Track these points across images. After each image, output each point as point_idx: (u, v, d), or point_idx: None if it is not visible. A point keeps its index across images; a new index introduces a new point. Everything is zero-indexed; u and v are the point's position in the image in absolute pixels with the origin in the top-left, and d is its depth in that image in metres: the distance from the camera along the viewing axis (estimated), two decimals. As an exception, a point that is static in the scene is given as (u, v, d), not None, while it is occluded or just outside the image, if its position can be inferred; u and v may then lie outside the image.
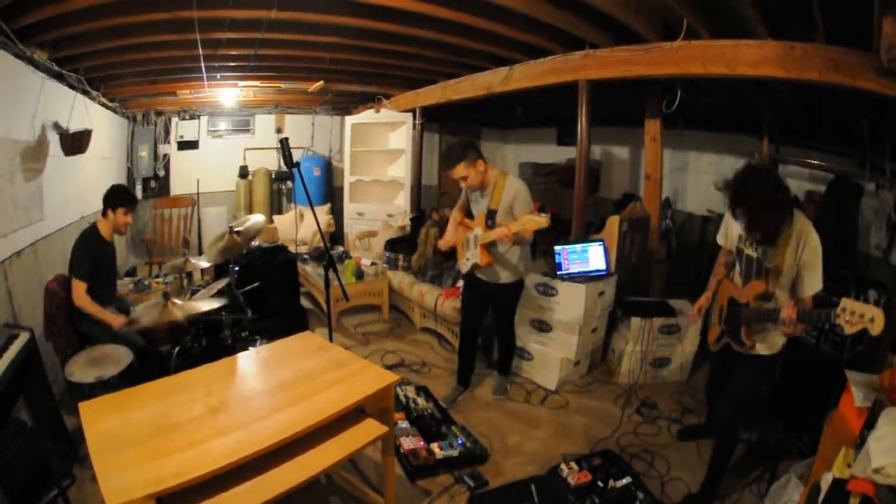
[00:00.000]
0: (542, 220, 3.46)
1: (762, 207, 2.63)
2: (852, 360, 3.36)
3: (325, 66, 6.07)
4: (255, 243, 5.52)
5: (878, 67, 3.01)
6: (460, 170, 3.80)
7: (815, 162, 5.46)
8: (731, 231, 3.11)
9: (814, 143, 5.53)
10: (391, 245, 6.76)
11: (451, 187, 10.55)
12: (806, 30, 3.37)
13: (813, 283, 2.69)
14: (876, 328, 2.13)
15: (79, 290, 3.64)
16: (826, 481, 2.16)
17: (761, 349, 2.95)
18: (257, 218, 4.71)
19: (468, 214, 4.16)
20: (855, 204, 4.72)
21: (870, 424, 2.24)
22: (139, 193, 8.21)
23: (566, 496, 3.17)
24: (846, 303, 2.24)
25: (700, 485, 3.24)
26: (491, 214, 3.90)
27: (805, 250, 2.67)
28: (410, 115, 8.22)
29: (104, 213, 3.89)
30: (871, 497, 1.93)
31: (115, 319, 3.70)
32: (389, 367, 4.82)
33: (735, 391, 3.11)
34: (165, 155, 8.44)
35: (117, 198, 3.89)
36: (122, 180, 7.68)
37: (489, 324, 4.52)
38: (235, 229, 4.34)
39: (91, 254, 3.75)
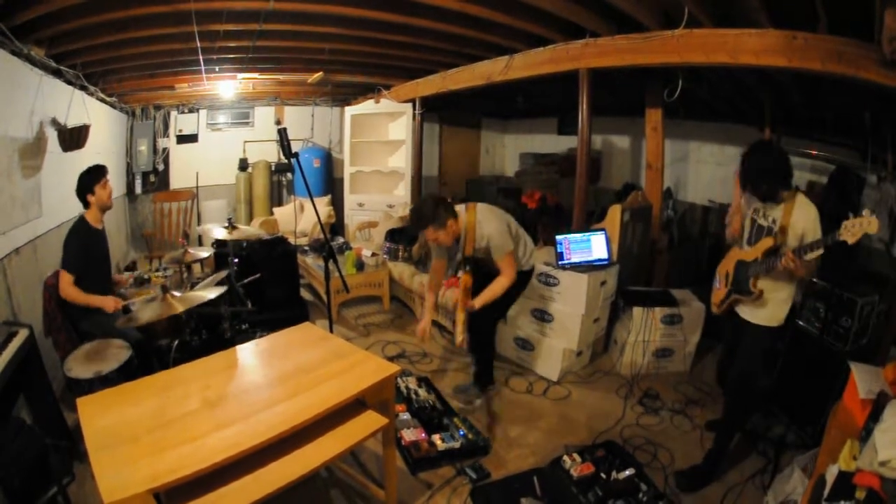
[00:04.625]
0: (497, 289, 3.71)
1: (759, 169, 2.97)
2: (855, 352, 3.36)
3: (324, 56, 6.03)
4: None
5: (881, 59, 2.99)
6: (429, 233, 3.69)
7: (817, 152, 5.44)
8: (749, 202, 3.25)
9: (816, 134, 5.51)
10: (392, 236, 6.74)
11: (451, 178, 10.57)
12: (808, 19, 3.34)
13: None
14: (873, 228, 2.40)
15: (65, 280, 3.59)
16: (831, 474, 2.15)
17: (760, 316, 3.10)
18: (253, 229, 4.79)
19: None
20: (856, 195, 4.70)
21: (875, 417, 2.24)
22: (138, 188, 8.23)
23: (569, 488, 3.17)
24: (846, 223, 2.47)
25: (704, 458, 3.34)
26: (467, 261, 3.86)
27: (808, 221, 2.87)
28: (410, 105, 8.19)
29: (87, 203, 3.81)
30: (877, 490, 1.92)
31: (107, 302, 3.67)
32: (390, 359, 4.82)
33: (739, 366, 3.24)
34: (165, 149, 8.43)
35: (88, 181, 3.79)
36: (122, 175, 7.72)
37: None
38: (234, 224, 4.36)
39: (82, 245, 3.70)
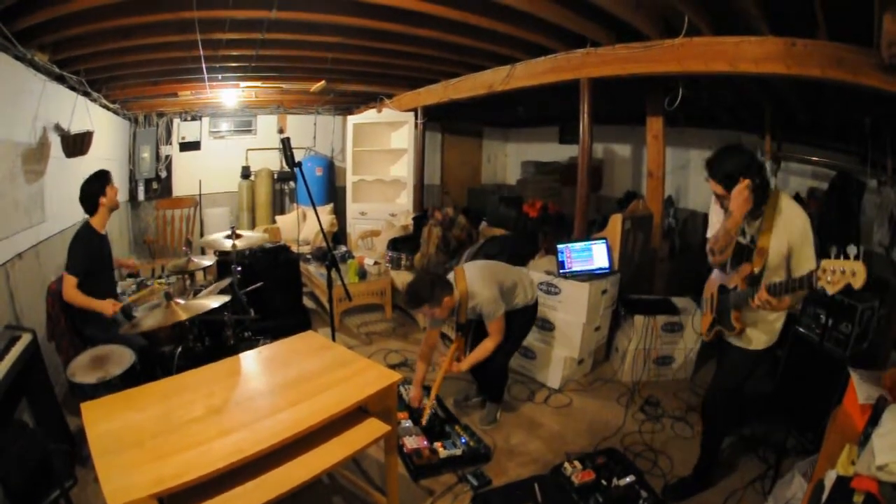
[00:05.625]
0: (482, 353, 3.75)
1: (725, 176, 2.60)
2: (855, 357, 3.36)
3: (326, 65, 6.05)
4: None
5: (880, 64, 3.01)
6: (425, 310, 3.67)
7: (818, 159, 5.46)
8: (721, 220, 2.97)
9: (816, 141, 5.53)
10: (394, 244, 6.76)
11: (453, 186, 10.60)
12: (807, 26, 3.36)
13: (803, 264, 2.57)
14: (857, 281, 2.04)
15: (69, 284, 3.60)
16: (830, 479, 2.15)
17: (746, 342, 2.93)
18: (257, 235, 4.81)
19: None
20: (857, 201, 4.71)
21: (873, 421, 2.24)
22: (141, 195, 8.25)
23: (570, 495, 3.17)
24: (826, 263, 2.13)
25: (692, 469, 3.33)
26: (461, 327, 3.93)
27: (794, 233, 2.59)
28: (412, 114, 8.23)
29: (95, 209, 3.82)
30: (875, 494, 1.93)
31: (107, 306, 3.66)
32: (392, 367, 4.82)
33: (716, 382, 3.23)
34: (167, 156, 8.45)
35: (98, 184, 3.81)
36: (125, 182, 7.73)
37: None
38: (237, 231, 4.38)
39: (88, 250, 3.72)
